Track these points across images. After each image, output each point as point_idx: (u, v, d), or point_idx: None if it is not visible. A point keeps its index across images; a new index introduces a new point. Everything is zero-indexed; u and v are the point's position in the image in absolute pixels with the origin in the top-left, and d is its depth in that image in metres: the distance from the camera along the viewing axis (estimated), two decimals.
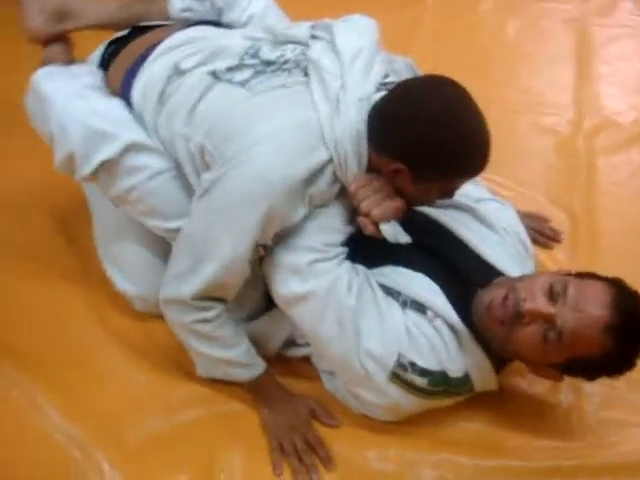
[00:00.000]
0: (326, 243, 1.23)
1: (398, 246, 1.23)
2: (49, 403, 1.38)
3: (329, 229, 1.25)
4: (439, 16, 2.67)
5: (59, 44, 1.59)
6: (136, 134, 1.33)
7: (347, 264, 1.25)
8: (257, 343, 1.37)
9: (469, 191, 1.41)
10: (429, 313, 1.22)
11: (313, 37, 1.34)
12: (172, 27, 1.49)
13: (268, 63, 1.31)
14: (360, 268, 1.27)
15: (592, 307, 1.10)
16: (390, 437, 1.31)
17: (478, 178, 1.49)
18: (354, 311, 1.20)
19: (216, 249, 1.20)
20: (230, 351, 1.30)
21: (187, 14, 1.55)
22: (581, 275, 1.18)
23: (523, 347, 1.15)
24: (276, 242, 1.25)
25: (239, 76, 1.29)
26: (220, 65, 1.31)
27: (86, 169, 1.32)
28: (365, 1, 2.50)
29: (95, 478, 1.27)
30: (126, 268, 1.49)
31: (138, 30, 1.50)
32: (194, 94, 1.29)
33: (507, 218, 1.42)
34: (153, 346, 1.47)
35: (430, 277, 1.26)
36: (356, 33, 1.31)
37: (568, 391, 1.37)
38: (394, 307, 1.23)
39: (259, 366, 1.33)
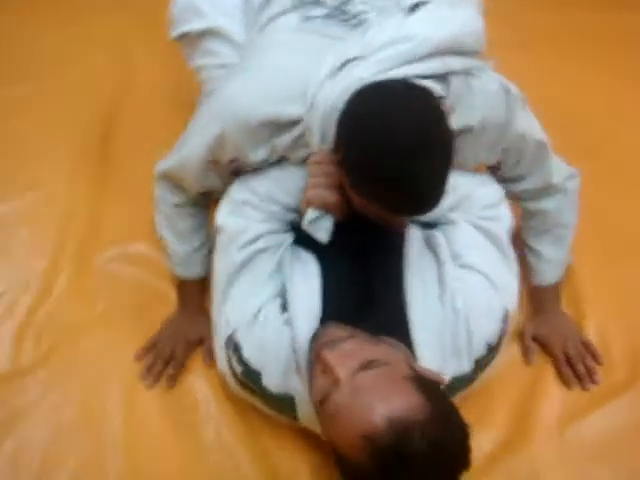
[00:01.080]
0: (268, 195, 1.20)
1: (333, 242, 1.14)
2: None
3: (281, 185, 1.20)
4: None
5: None
6: (227, 22, 1.39)
7: (273, 226, 1.20)
8: None
9: (471, 250, 1.19)
10: (285, 317, 1.12)
11: (414, 7, 1.21)
12: None
13: (342, 12, 1.25)
14: (287, 238, 1.21)
15: (371, 404, 0.88)
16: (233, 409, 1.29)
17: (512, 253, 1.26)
18: (235, 267, 1.18)
19: (186, 143, 1.26)
20: (177, 244, 1.37)
21: None
22: (422, 378, 0.95)
23: (312, 394, 1.01)
24: (240, 172, 1.25)
25: (312, 11, 1.26)
26: None
27: (173, 33, 1.44)
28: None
29: None
30: None
31: None
32: (276, 11, 1.31)
33: (477, 301, 1.14)
34: None
35: (329, 292, 1.13)
36: (436, 23, 1.14)
37: None
38: (268, 288, 1.15)
39: (193, 272, 1.38)
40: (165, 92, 1.90)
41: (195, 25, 1.40)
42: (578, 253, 1.45)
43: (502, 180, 1.32)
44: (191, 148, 1.23)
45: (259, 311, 1.14)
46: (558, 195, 1.36)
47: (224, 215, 1.23)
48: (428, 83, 1.11)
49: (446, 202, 1.21)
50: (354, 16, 1.24)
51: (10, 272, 1.49)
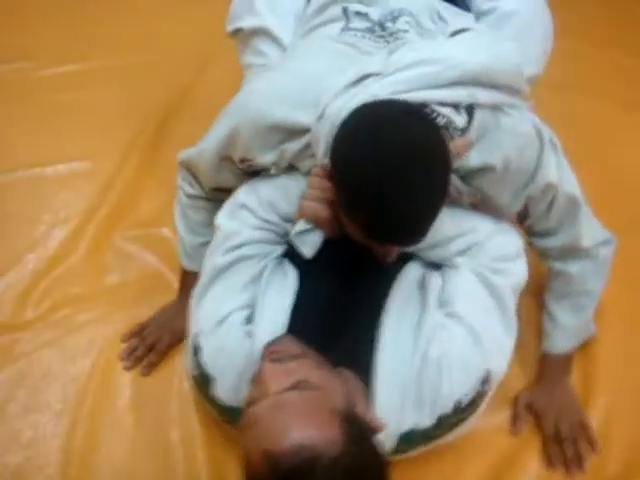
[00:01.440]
0: (270, 202, 1.17)
1: (319, 260, 1.11)
2: None
3: (285, 194, 1.16)
4: None
5: None
6: (277, 23, 1.38)
7: (265, 235, 1.16)
8: None
9: (464, 300, 1.10)
10: (248, 329, 1.08)
11: (457, 33, 1.18)
12: None
13: (383, 28, 1.22)
14: (276, 249, 1.17)
15: (286, 424, 0.84)
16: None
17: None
18: (216, 270, 1.15)
19: (208, 135, 1.26)
20: (186, 234, 1.37)
21: None
22: (352, 416, 0.89)
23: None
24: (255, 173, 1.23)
25: (355, 23, 1.24)
26: (358, 8, 1.27)
27: (228, 27, 1.45)
28: None
29: None
30: None
31: None
32: (324, 19, 1.30)
33: (454, 354, 1.05)
34: None
35: (300, 311, 1.09)
36: (471, 50, 1.08)
37: None
38: (242, 297, 1.12)
39: (197, 265, 1.33)
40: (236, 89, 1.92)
41: (248, 22, 1.40)
42: (602, 323, 1.33)
43: (530, 233, 1.24)
44: (209, 140, 1.24)
45: (225, 318, 1.11)
46: (587, 260, 1.25)
47: (222, 215, 1.22)
48: (447, 111, 1.05)
49: (456, 245, 1.16)
50: (391, 33, 1.20)
51: (34, 232, 1.55)
